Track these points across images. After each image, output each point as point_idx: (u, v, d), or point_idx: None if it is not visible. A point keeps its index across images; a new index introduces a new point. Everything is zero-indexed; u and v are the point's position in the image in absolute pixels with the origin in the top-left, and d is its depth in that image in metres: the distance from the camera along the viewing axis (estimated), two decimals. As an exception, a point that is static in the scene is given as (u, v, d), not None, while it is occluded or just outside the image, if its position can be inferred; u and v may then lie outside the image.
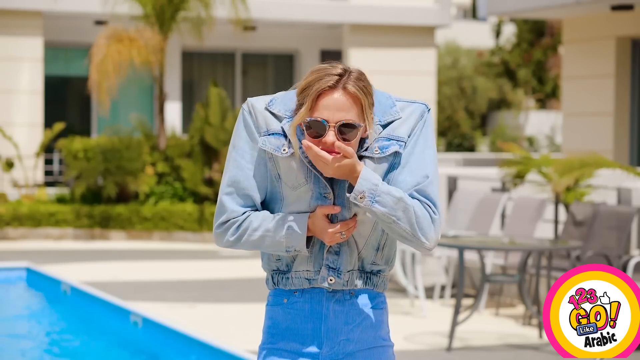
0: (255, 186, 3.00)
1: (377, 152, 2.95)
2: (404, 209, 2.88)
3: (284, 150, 2.95)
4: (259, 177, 3.00)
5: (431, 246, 2.93)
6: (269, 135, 2.97)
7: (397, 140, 2.96)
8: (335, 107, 2.89)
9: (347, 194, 2.89)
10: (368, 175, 2.88)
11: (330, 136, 2.88)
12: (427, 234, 2.91)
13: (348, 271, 2.99)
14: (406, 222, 2.88)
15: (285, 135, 2.96)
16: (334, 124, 2.88)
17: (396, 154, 2.96)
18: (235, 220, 3.00)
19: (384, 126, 2.97)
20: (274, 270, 3.06)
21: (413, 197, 2.93)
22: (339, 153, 2.88)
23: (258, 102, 3.01)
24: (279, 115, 2.98)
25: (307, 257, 2.99)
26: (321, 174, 2.95)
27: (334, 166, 2.87)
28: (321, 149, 2.89)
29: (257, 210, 3.02)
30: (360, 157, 2.95)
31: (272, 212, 3.02)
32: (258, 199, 3.01)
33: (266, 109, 2.99)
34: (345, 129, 2.88)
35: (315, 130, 2.89)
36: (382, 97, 3.00)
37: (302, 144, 2.90)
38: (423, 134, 2.99)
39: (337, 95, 2.89)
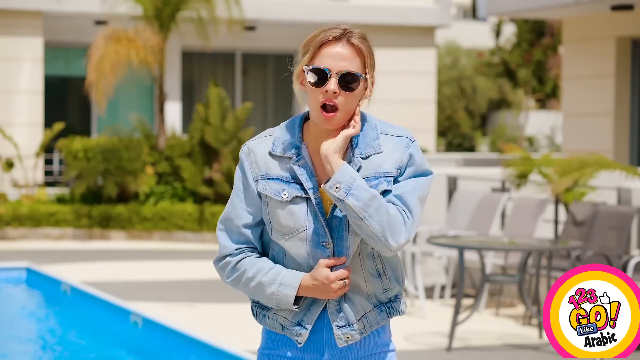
0: (247, 226, 2.98)
1: None
2: (377, 208, 2.84)
3: (285, 195, 2.92)
4: (253, 218, 2.98)
5: (395, 249, 2.88)
6: (268, 179, 2.95)
7: (385, 177, 2.92)
8: (339, 56, 2.88)
9: (323, 185, 2.86)
10: (348, 169, 2.85)
11: (332, 84, 2.87)
12: (396, 236, 2.87)
13: (360, 318, 2.95)
14: (377, 221, 2.84)
15: (285, 181, 2.93)
16: (336, 73, 2.87)
17: (385, 192, 2.93)
18: (229, 260, 2.99)
19: (364, 159, 2.93)
20: (254, 302, 3.05)
21: (390, 202, 2.90)
22: (334, 111, 2.86)
23: (258, 146, 2.98)
24: (283, 157, 2.95)
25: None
26: (321, 221, 2.91)
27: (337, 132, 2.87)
28: (322, 101, 2.87)
29: (253, 247, 3.00)
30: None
31: (271, 253, 3.01)
32: (251, 236, 2.99)
33: (269, 153, 2.96)
34: (347, 78, 2.88)
35: (317, 78, 2.87)
36: (368, 127, 2.97)
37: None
38: (413, 168, 2.95)
39: (341, 46, 2.90)
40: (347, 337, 2.93)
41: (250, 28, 20.13)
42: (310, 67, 2.89)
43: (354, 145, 2.94)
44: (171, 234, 15.54)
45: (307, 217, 2.91)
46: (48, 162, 19.20)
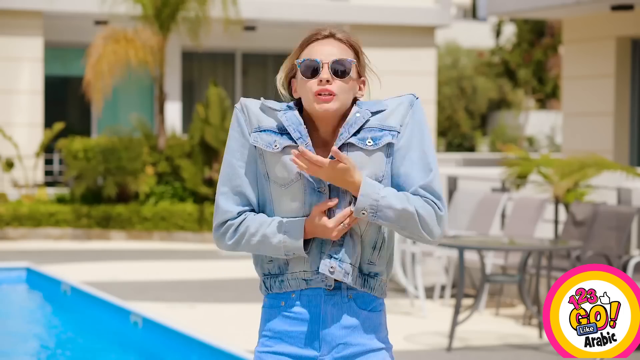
0: (248, 183, 2.98)
1: (370, 144, 2.93)
2: (407, 219, 2.89)
3: (276, 146, 2.93)
4: (251, 174, 2.98)
5: (435, 242, 2.96)
6: (260, 132, 2.96)
7: (389, 130, 2.95)
8: (328, 48, 2.94)
9: (351, 208, 2.89)
10: (368, 190, 2.87)
11: (325, 73, 2.90)
12: (432, 232, 2.92)
13: (350, 264, 2.95)
14: (410, 227, 2.90)
15: (277, 132, 2.95)
16: (327, 62, 2.91)
17: (389, 145, 2.95)
18: (231, 223, 2.98)
19: (373, 113, 2.96)
20: (265, 274, 3.03)
21: (418, 194, 2.92)
22: (336, 94, 2.89)
23: (251, 102, 3.01)
24: (273, 108, 2.98)
25: (304, 258, 2.97)
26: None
27: (331, 169, 2.85)
28: (317, 91, 2.89)
29: (253, 210, 3.01)
30: (352, 146, 2.93)
31: (266, 215, 3.01)
32: (253, 196, 2.99)
33: (260, 107, 2.99)
34: (338, 66, 2.91)
35: (309, 68, 2.91)
36: (372, 102, 3.01)
37: (292, 152, 2.86)
38: (416, 122, 2.98)
39: (328, 43, 2.96)
40: (332, 268, 2.92)
41: (250, 28, 20.14)
42: (301, 60, 2.93)
43: (360, 105, 2.97)
44: (171, 234, 15.55)
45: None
46: (48, 162, 19.21)
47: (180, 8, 16.19)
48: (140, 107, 20.25)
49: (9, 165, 16.88)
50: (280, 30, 21.01)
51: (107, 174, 15.85)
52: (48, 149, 18.85)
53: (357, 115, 2.94)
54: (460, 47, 33.81)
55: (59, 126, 17.42)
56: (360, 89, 2.99)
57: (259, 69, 21.86)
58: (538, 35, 29.98)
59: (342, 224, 2.91)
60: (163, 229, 15.56)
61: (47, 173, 19.16)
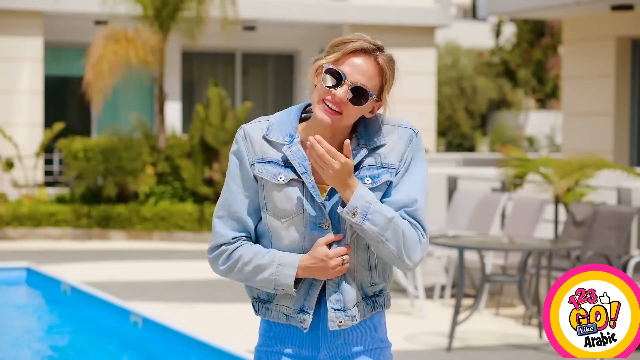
0: (246, 211, 2.98)
1: (368, 182, 2.93)
2: (394, 231, 2.87)
3: (281, 178, 2.92)
4: (250, 202, 2.98)
5: (412, 267, 2.93)
6: (265, 163, 2.95)
7: (388, 168, 2.95)
8: (360, 69, 2.89)
9: (340, 209, 2.87)
10: (363, 192, 2.87)
11: (341, 91, 2.87)
12: (412, 256, 2.91)
13: (354, 306, 2.95)
14: (393, 243, 2.88)
15: (282, 165, 2.94)
16: (350, 82, 2.88)
17: (387, 183, 2.95)
18: (225, 249, 2.99)
19: (370, 150, 2.95)
20: (255, 298, 3.04)
21: (403, 218, 2.92)
22: (341, 113, 2.87)
23: (254, 131, 2.98)
24: (277, 142, 2.96)
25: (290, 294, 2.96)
26: (318, 203, 2.92)
27: (336, 169, 2.85)
28: (327, 98, 2.87)
29: (249, 237, 3.00)
30: None
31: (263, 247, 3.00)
32: (250, 224, 2.99)
33: (264, 137, 2.97)
34: (358, 92, 2.88)
35: (331, 79, 2.88)
36: (371, 119, 2.99)
37: (310, 140, 2.85)
38: (414, 159, 2.98)
39: (366, 60, 2.90)
40: (340, 322, 2.93)
41: (250, 28, 20.13)
42: (330, 66, 2.89)
43: (359, 137, 2.96)
44: (171, 234, 15.54)
45: (304, 200, 2.92)
46: (48, 162, 19.20)
47: (180, 8, 16.19)
48: (140, 107, 20.25)
49: (9, 165, 16.87)
50: (280, 30, 21.01)
51: (107, 174, 15.85)
52: (48, 149, 18.85)
53: (354, 152, 2.93)
54: (460, 47, 33.80)
55: (59, 126, 17.42)
56: (372, 111, 2.96)
57: (259, 69, 21.85)
58: (538, 35, 29.97)
59: (341, 258, 2.90)
60: (163, 229, 15.56)
61: (47, 173, 19.15)
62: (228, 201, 2.99)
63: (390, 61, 2.93)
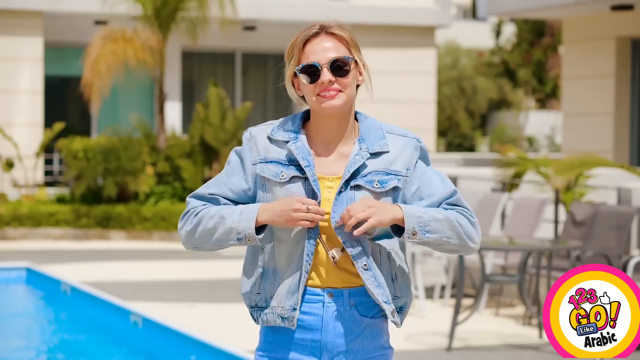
0: (223, 195, 3.01)
1: (377, 186, 2.96)
2: (451, 227, 2.93)
3: (283, 176, 2.96)
4: (230, 193, 3.01)
5: (477, 248, 3.00)
6: (267, 162, 2.99)
7: (395, 175, 2.98)
8: (322, 48, 2.95)
9: (397, 237, 2.92)
10: (410, 211, 2.91)
11: (326, 75, 2.93)
12: (473, 238, 2.98)
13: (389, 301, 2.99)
14: (455, 237, 2.94)
15: (284, 164, 2.97)
16: (325, 63, 2.93)
17: (395, 189, 2.98)
18: (193, 210, 3.00)
19: (372, 155, 2.98)
20: (252, 307, 3.04)
21: (448, 209, 2.98)
22: (341, 91, 2.92)
23: (259, 133, 3.03)
24: (281, 140, 3.00)
25: (285, 291, 2.95)
26: (319, 198, 2.94)
27: (372, 210, 2.86)
28: (319, 92, 2.92)
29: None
30: (360, 187, 2.95)
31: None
32: (221, 204, 3.02)
33: (268, 137, 3.01)
34: (337, 64, 2.94)
35: (310, 74, 2.93)
36: (373, 127, 3.02)
37: (336, 221, 2.89)
38: (425, 165, 3.04)
39: (322, 39, 2.96)
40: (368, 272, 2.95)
41: (250, 28, 20.13)
42: (300, 66, 2.95)
43: (362, 141, 2.99)
44: (171, 234, 15.55)
45: (305, 195, 2.94)
46: (48, 162, 19.20)
47: (180, 8, 16.19)
48: (140, 107, 20.25)
49: (9, 165, 16.87)
50: (280, 30, 21.01)
51: (107, 174, 15.85)
52: (48, 149, 18.85)
53: (357, 157, 2.96)
54: (460, 47, 33.80)
55: (58, 126, 17.42)
56: (360, 73, 3.01)
57: (258, 69, 21.85)
58: (538, 35, 29.98)
59: (307, 206, 2.88)
60: (163, 229, 15.56)
61: (47, 173, 19.15)
62: (210, 183, 3.04)
63: (339, 27, 2.99)
